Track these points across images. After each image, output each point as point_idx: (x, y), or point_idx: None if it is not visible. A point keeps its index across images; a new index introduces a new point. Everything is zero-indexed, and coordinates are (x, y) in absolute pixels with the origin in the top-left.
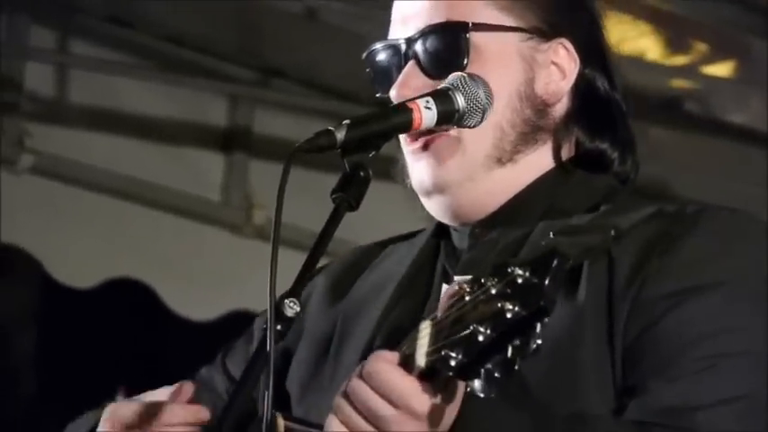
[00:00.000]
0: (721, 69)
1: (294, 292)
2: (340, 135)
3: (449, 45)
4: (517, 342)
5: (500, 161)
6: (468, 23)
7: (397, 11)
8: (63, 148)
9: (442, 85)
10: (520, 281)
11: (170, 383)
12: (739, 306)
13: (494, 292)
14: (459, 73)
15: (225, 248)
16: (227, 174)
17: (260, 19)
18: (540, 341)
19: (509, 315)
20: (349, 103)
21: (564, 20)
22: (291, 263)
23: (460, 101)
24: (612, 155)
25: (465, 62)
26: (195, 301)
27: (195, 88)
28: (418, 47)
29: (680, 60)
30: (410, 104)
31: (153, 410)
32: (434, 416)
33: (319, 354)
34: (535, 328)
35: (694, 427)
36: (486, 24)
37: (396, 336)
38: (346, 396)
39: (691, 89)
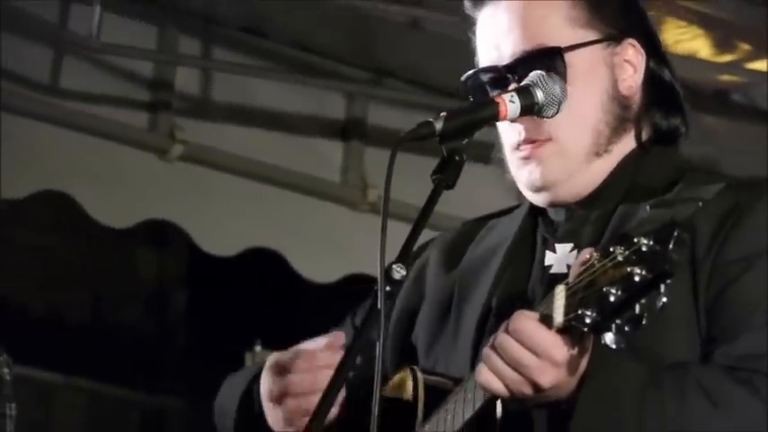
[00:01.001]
0: (762, 65)
1: (401, 258)
2: (438, 125)
3: (547, 69)
4: (644, 301)
5: (597, 154)
6: (560, 47)
7: (487, 37)
8: (207, 139)
9: (524, 82)
10: (644, 249)
11: (298, 337)
12: None
13: (621, 258)
14: (539, 71)
15: (344, 221)
16: (346, 159)
17: (373, 27)
18: (665, 299)
19: (637, 278)
20: (448, 99)
21: (628, 22)
22: (399, 233)
23: (540, 95)
24: (682, 129)
25: (564, 80)
26: (319, 267)
27: (318, 87)
28: (519, 72)
29: (727, 58)
30: (497, 98)
31: (307, 356)
32: (571, 365)
33: (441, 315)
34: (660, 288)
35: (749, 376)
36: (574, 45)
37: (509, 296)
38: (494, 348)
39: (736, 83)
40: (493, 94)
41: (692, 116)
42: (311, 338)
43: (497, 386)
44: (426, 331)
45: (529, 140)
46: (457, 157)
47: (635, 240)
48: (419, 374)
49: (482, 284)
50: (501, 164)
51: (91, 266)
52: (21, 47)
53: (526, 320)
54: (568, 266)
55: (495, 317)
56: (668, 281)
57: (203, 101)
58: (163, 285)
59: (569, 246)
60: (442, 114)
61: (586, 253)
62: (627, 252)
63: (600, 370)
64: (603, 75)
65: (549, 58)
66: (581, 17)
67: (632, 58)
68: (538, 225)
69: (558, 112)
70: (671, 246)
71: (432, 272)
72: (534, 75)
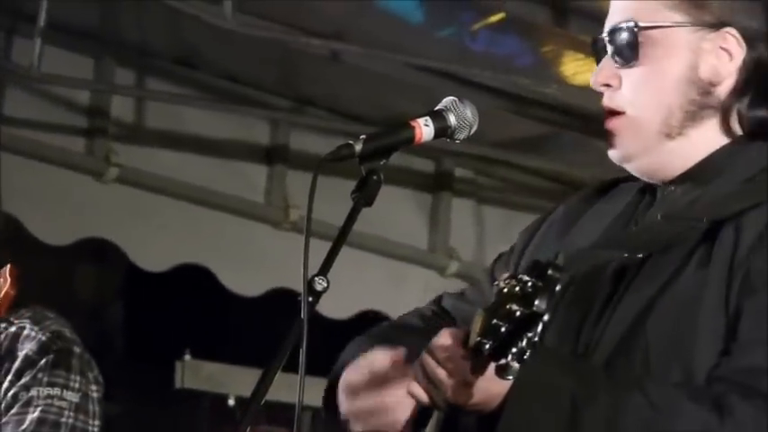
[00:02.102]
0: None
1: (322, 271)
2: (358, 147)
3: (625, 42)
4: (530, 334)
5: (669, 135)
6: (636, 23)
7: (610, 7)
8: (141, 163)
9: (438, 107)
10: (528, 285)
11: (227, 345)
12: None
13: (516, 290)
14: (451, 98)
15: (268, 239)
16: (270, 181)
17: (295, 59)
18: (537, 338)
19: (516, 314)
20: (365, 126)
21: (731, 11)
22: (321, 250)
23: (452, 119)
24: None
25: (637, 55)
26: (245, 281)
27: (244, 114)
28: (609, 42)
29: None
30: (413, 123)
31: (373, 378)
32: (485, 386)
33: None
34: (537, 325)
35: (764, 387)
36: (652, 24)
37: (585, 275)
38: (419, 363)
39: None
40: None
41: (587, 141)
42: (237, 348)
43: (423, 398)
44: None
45: (607, 110)
46: (375, 177)
47: (520, 277)
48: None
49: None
50: None
51: (33, 281)
52: None
53: (446, 339)
54: None
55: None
56: (544, 319)
57: (137, 127)
58: (100, 299)
59: (507, 275)
60: (361, 137)
61: (503, 278)
62: (518, 286)
63: (520, 390)
64: (683, 57)
65: (626, 32)
66: (679, 3)
67: (730, 46)
68: (643, 199)
69: (469, 134)
70: (543, 289)
71: (549, 239)
72: (447, 100)
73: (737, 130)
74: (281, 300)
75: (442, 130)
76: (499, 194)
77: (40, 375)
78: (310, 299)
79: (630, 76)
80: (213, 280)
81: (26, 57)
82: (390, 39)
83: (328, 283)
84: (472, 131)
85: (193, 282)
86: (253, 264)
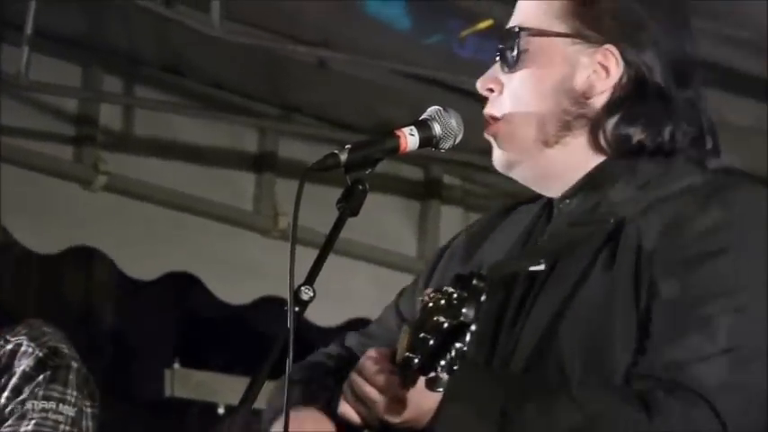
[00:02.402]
0: None
1: (309, 280)
2: (343, 157)
3: (510, 46)
4: (458, 345)
5: (547, 143)
6: (521, 28)
7: None
8: (130, 171)
9: (423, 116)
10: (453, 297)
11: (217, 353)
12: (743, 270)
13: (441, 303)
14: (436, 107)
15: (257, 247)
16: (258, 189)
17: (283, 67)
18: (466, 348)
19: (444, 326)
20: (352, 133)
21: (617, 30)
22: (308, 258)
23: (437, 129)
24: (641, 138)
25: (516, 60)
26: (234, 289)
27: (232, 122)
28: (504, 45)
29: None
30: (398, 132)
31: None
32: (416, 400)
33: None
34: (465, 335)
35: (686, 381)
36: (534, 29)
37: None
38: (348, 384)
39: None
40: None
41: None
42: (226, 357)
43: (354, 418)
44: None
45: (488, 116)
46: (360, 187)
47: (445, 289)
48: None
49: None
50: None
51: (22, 289)
52: None
53: (373, 358)
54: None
55: None
56: (471, 329)
57: (125, 135)
58: (89, 307)
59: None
60: (346, 147)
61: (428, 292)
62: (443, 298)
63: (451, 401)
64: (560, 67)
65: (511, 37)
66: (565, 11)
67: (609, 64)
68: (542, 215)
69: (454, 143)
70: (469, 299)
71: (454, 263)
72: (432, 110)
73: (603, 144)
74: (271, 308)
75: (427, 140)
76: (486, 202)
77: (36, 390)
78: (297, 309)
79: (512, 81)
80: (202, 288)
81: (14, 65)
82: (377, 46)
83: (314, 292)
84: (457, 140)
85: (182, 290)
86: (241, 272)
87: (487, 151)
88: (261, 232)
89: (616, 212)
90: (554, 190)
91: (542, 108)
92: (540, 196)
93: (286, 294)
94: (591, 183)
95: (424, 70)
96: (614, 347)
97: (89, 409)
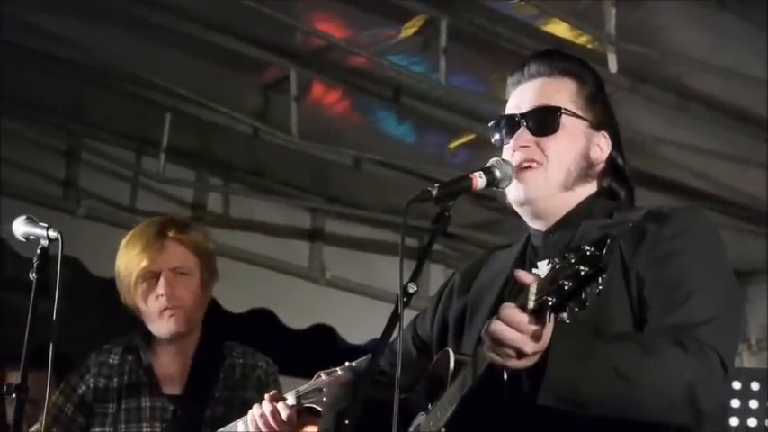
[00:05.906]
0: None
1: (413, 279)
2: (434, 192)
3: (549, 118)
4: (588, 289)
5: (565, 188)
6: (560, 107)
7: (512, 100)
8: (227, 240)
9: (487, 165)
10: (588, 253)
11: (283, 366)
12: (700, 261)
13: (573, 260)
14: (497, 158)
15: (310, 291)
16: (312, 252)
17: (327, 169)
18: (601, 287)
19: (582, 273)
20: (373, 212)
21: (605, 120)
22: (350, 302)
23: (498, 173)
24: (622, 192)
25: (557, 130)
26: (296, 318)
27: (294, 207)
28: (529, 119)
29: None
30: (471, 175)
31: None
32: (542, 335)
33: (461, 324)
34: (598, 280)
35: (682, 338)
36: (571, 111)
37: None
38: (487, 330)
39: None
40: (507, 137)
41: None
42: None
43: (494, 357)
44: (453, 334)
45: (526, 160)
46: (447, 213)
47: (581, 248)
48: (451, 354)
49: (488, 301)
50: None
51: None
52: (100, 181)
53: (509, 309)
54: None
55: None
56: (604, 275)
57: (223, 217)
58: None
59: (545, 261)
60: (436, 185)
61: (551, 260)
62: (576, 257)
63: (561, 336)
64: (581, 141)
65: (551, 113)
66: (578, 102)
67: (602, 143)
68: (527, 251)
69: (509, 184)
70: (605, 252)
71: (455, 293)
72: (493, 160)
73: (601, 190)
74: (323, 334)
75: (492, 181)
76: (459, 261)
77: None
78: (405, 299)
79: (548, 142)
80: (275, 319)
81: (153, 167)
82: (391, 154)
83: (417, 287)
84: (512, 182)
85: (263, 321)
86: (301, 307)
87: (465, 226)
88: (313, 281)
89: (593, 237)
90: (544, 225)
91: (571, 165)
92: (509, 244)
93: (332, 323)
94: (569, 219)
95: (424, 169)
96: (614, 323)
97: None
